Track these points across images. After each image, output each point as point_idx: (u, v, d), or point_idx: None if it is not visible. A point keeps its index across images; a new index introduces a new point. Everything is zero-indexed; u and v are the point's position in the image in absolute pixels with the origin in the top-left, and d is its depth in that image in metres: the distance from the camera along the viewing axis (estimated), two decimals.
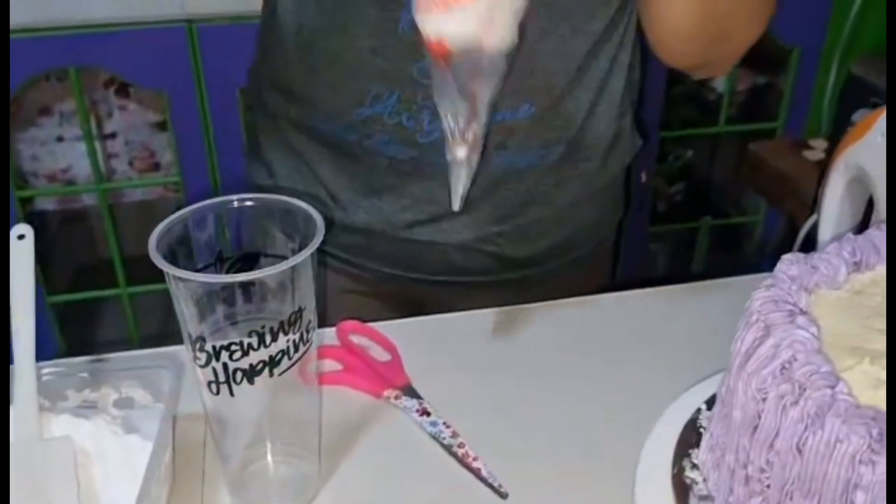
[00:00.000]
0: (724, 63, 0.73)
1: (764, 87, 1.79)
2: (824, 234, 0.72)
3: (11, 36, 1.25)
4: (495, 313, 0.72)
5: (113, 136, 1.52)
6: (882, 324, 0.42)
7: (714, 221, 1.86)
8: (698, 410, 0.51)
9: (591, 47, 0.72)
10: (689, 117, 1.79)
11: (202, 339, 0.45)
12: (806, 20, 1.59)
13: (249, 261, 0.50)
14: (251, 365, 0.45)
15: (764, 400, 0.38)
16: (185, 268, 0.45)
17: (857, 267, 0.46)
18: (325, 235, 0.84)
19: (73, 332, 1.51)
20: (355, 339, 0.69)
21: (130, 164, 1.56)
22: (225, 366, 0.45)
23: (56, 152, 1.46)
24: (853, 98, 1.02)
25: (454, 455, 0.58)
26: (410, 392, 0.64)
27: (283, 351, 0.46)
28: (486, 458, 0.57)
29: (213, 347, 0.44)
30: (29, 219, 1.54)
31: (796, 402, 0.36)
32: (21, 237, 0.55)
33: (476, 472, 0.57)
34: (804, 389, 0.36)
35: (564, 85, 0.72)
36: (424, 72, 0.68)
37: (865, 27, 1.50)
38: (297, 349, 0.46)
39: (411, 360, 0.66)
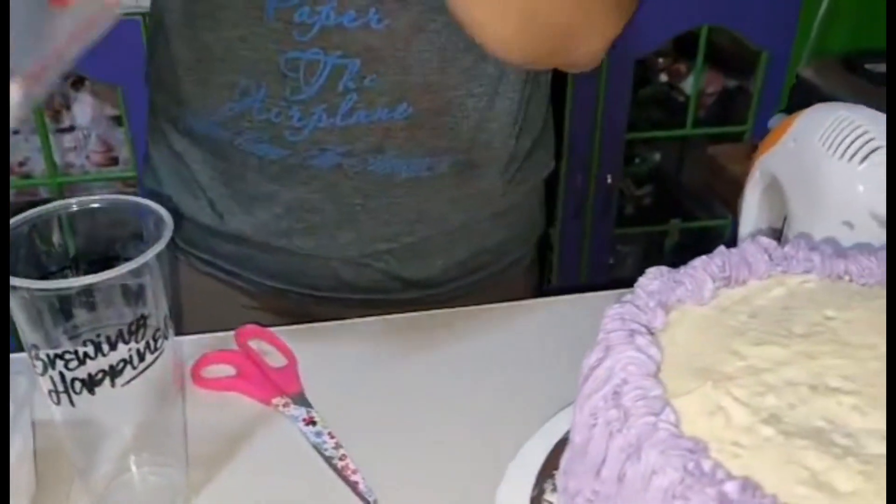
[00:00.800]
0: (580, 65, 0.66)
1: (734, 90, 1.77)
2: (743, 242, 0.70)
3: None
4: (395, 319, 0.70)
5: (71, 129, 1.50)
6: (741, 345, 0.40)
7: (683, 224, 1.84)
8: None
9: (469, 45, 0.67)
10: (657, 119, 1.77)
11: (35, 346, 0.43)
12: (774, 23, 1.58)
13: (106, 264, 0.48)
14: (90, 374, 0.43)
15: (594, 426, 0.36)
16: (29, 274, 0.43)
17: (726, 282, 0.44)
18: (209, 244, 0.82)
19: None
20: (254, 345, 0.67)
21: (87, 157, 1.54)
22: (62, 375, 0.43)
23: (13, 145, 1.43)
24: (800, 103, 1.00)
25: (333, 467, 0.56)
26: (301, 400, 0.62)
27: (124, 360, 0.44)
28: (366, 470, 0.55)
29: (48, 356, 0.42)
30: None
31: (620, 430, 0.34)
32: None
33: (353, 486, 0.55)
34: (629, 416, 0.34)
35: (444, 85, 0.69)
36: (292, 63, 0.66)
37: (832, 33, 1.48)
38: (142, 358, 0.44)
39: (307, 367, 0.65)
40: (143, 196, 0.52)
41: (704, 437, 0.34)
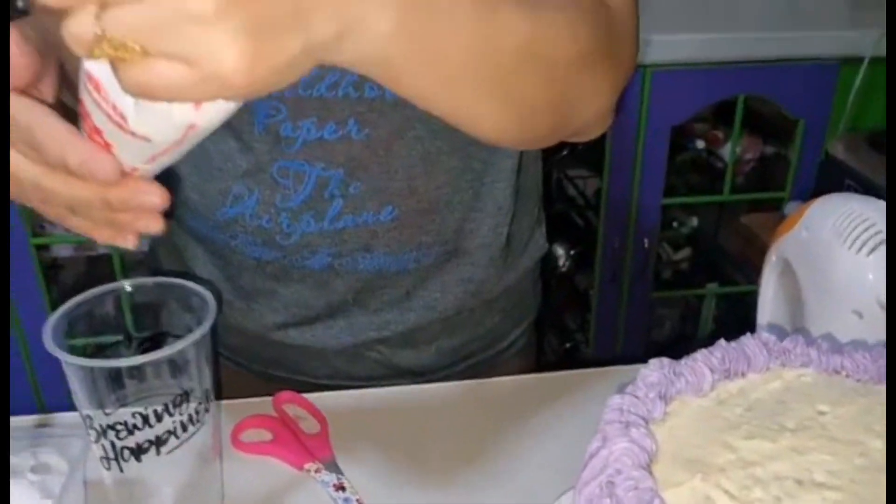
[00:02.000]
0: (586, 133, 0.61)
1: (773, 156, 1.79)
2: (762, 324, 0.73)
3: None
4: (428, 388, 0.74)
5: None
6: (733, 438, 0.42)
7: (720, 289, 1.85)
8: None
9: (454, 147, 0.69)
10: (694, 184, 1.79)
11: (90, 417, 0.47)
12: (810, 94, 1.60)
13: (156, 340, 0.53)
14: (138, 444, 0.48)
15: None
16: (87, 346, 0.48)
17: (726, 374, 0.47)
18: (214, 336, 0.86)
19: None
20: (290, 410, 0.71)
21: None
22: (113, 444, 0.47)
23: None
24: (828, 178, 1.02)
25: None
26: (332, 466, 0.65)
27: (169, 431, 0.48)
28: None
29: (101, 426, 0.47)
30: (46, 265, 1.61)
31: None
32: None
33: None
34: None
35: (429, 186, 0.70)
36: (281, 172, 0.69)
37: (868, 106, 1.50)
38: (185, 429, 0.49)
39: (340, 433, 0.68)
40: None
41: None
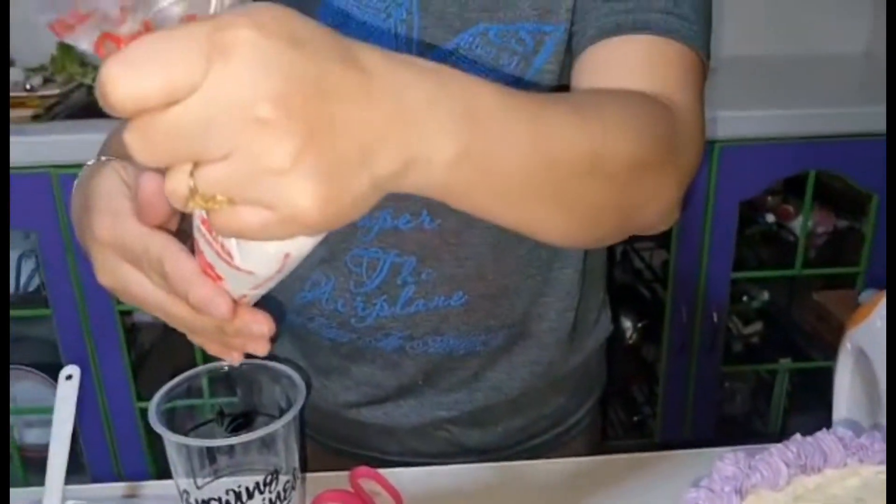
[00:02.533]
0: (652, 228, 0.59)
1: (846, 230, 1.76)
2: (838, 414, 0.72)
3: None
4: (502, 467, 0.75)
5: None
6: None
7: (793, 364, 1.81)
8: None
9: (521, 239, 0.68)
10: (766, 258, 1.78)
11: (187, 492, 0.50)
12: (883, 168, 1.58)
13: (248, 417, 0.56)
14: None
15: None
16: (185, 423, 0.51)
17: (802, 469, 0.47)
18: (302, 416, 0.90)
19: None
20: (366, 486, 0.73)
21: None
22: None
23: None
24: None
25: None
26: None
27: None
28: None
29: (196, 500, 0.50)
30: (128, 329, 1.68)
31: None
32: (69, 377, 0.63)
33: None
34: None
35: (498, 272, 0.73)
36: (355, 260, 0.72)
37: None
38: None
39: None
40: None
41: None
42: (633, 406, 1.92)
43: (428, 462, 0.79)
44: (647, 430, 1.85)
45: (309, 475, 0.75)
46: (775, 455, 0.47)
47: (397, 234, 0.71)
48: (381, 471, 0.74)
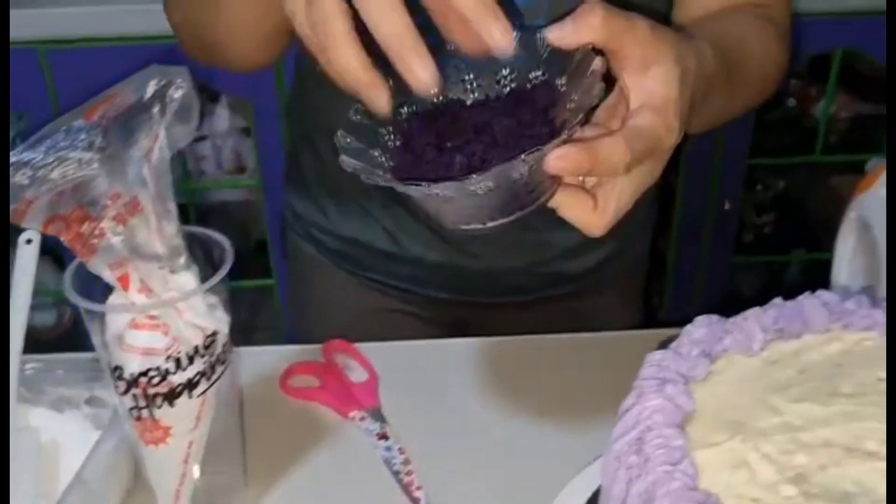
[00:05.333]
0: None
1: (869, 116, 1.68)
2: (836, 282, 0.68)
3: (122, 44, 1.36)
4: (475, 342, 0.72)
5: (204, 138, 1.61)
6: (780, 400, 0.40)
7: (807, 255, 1.77)
8: None
9: None
10: (785, 144, 1.70)
11: (120, 367, 0.47)
12: None
13: None
14: (171, 388, 0.48)
15: (618, 469, 0.37)
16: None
17: (780, 334, 0.44)
18: (382, 268, 0.88)
19: None
20: (340, 359, 0.71)
21: (220, 166, 1.65)
22: (145, 392, 0.48)
23: None
24: None
25: (399, 482, 0.59)
26: (377, 415, 0.65)
27: (200, 373, 0.48)
28: (431, 487, 0.58)
29: (132, 374, 0.47)
30: None
31: (640, 476, 0.35)
32: (28, 241, 0.60)
33: (415, 502, 0.57)
34: (648, 463, 0.35)
35: None
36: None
37: None
38: (213, 370, 0.49)
39: (387, 384, 0.68)
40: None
41: (723, 492, 0.34)
42: (643, 297, 1.89)
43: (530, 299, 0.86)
44: (655, 324, 1.83)
45: (281, 347, 0.73)
46: (751, 319, 0.43)
47: None
48: (357, 345, 0.72)
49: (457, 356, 0.71)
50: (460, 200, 0.42)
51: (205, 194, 1.78)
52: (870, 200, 0.62)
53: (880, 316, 0.44)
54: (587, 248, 0.85)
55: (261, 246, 1.60)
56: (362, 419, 0.65)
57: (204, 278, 0.49)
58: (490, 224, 0.44)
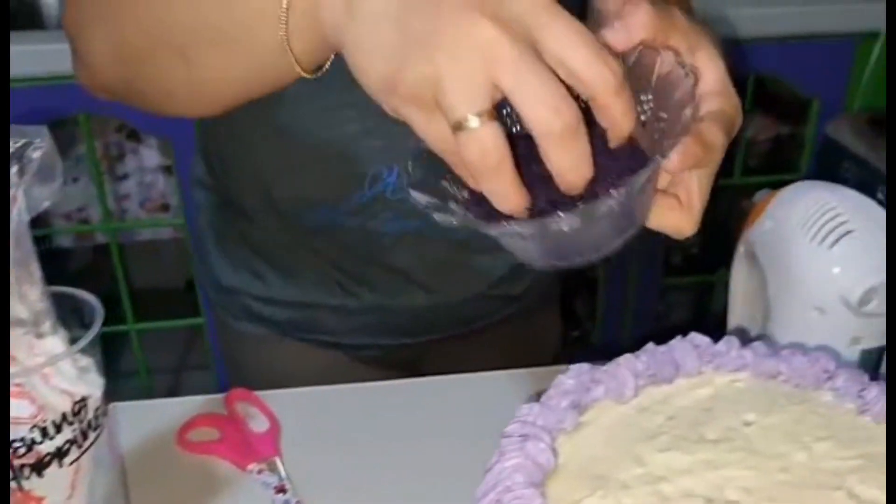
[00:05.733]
0: None
1: (787, 137, 1.73)
2: (733, 322, 0.69)
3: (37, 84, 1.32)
4: (381, 386, 0.71)
5: (125, 177, 1.59)
6: (646, 449, 0.39)
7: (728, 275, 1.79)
8: None
9: None
10: None
11: None
12: (825, 71, 1.53)
13: None
14: (39, 458, 0.46)
15: None
16: None
17: (652, 380, 0.44)
18: (334, 325, 0.85)
19: None
20: (241, 409, 0.69)
21: (141, 205, 1.62)
22: (11, 463, 0.46)
23: (70, 193, 1.52)
24: (825, 159, 0.97)
25: None
26: (275, 467, 0.63)
27: (70, 441, 0.46)
28: None
29: None
30: (47, 255, 1.62)
31: None
32: None
33: None
34: None
35: None
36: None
37: (884, 83, 1.43)
38: (85, 437, 0.47)
39: (290, 433, 0.66)
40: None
41: None
42: (575, 321, 1.91)
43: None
44: (588, 347, 1.84)
45: (183, 399, 0.71)
46: (622, 366, 0.43)
47: None
48: (259, 393, 0.70)
49: (360, 402, 0.70)
50: (580, 232, 0.40)
51: (131, 233, 1.75)
52: (757, 234, 0.62)
53: (750, 357, 0.45)
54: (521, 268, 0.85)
55: (190, 285, 1.57)
56: (260, 472, 0.63)
57: (78, 340, 0.47)
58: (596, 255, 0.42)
